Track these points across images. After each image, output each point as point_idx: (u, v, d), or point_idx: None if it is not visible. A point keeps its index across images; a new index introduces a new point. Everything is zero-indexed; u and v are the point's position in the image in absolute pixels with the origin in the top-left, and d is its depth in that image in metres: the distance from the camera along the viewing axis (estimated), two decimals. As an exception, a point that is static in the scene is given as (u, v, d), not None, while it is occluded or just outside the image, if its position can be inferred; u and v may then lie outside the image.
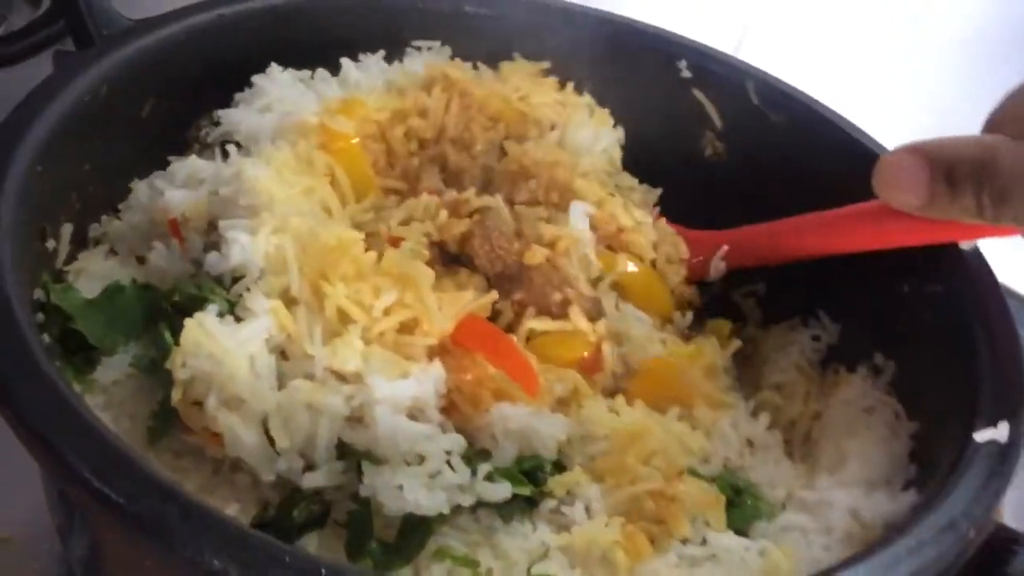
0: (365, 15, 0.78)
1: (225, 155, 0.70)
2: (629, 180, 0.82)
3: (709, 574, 0.56)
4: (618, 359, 0.69)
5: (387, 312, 0.61)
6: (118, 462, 0.46)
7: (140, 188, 0.71)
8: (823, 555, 0.60)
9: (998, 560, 0.55)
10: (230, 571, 0.43)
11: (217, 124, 0.75)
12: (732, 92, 0.82)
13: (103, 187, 0.70)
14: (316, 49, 0.77)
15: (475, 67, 0.82)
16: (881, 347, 0.72)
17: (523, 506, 0.59)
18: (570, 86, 0.82)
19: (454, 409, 0.61)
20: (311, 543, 0.57)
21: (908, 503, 0.62)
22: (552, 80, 0.82)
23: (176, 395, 0.57)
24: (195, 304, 0.60)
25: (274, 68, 0.75)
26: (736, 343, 0.75)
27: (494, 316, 0.68)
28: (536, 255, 0.69)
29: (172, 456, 0.59)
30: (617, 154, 0.82)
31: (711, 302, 0.79)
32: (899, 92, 1.29)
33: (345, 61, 0.78)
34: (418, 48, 0.82)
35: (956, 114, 1.26)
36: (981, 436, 0.57)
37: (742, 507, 0.62)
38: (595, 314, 0.70)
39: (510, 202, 0.73)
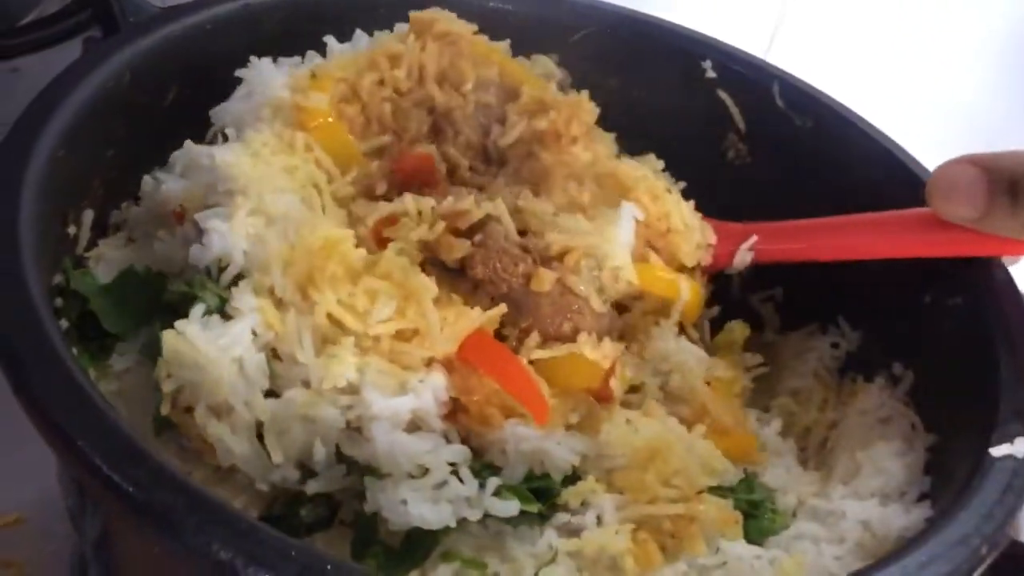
0: (395, 7, 0.78)
1: None
2: (655, 163, 0.79)
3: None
4: (655, 386, 0.67)
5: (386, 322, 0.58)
6: (130, 452, 0.46)
7: (147, 178, 0.70)
8: (834, 565, 0.60)
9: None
10: (237, 563, 0.43)
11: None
12: (757, 94, 0.81)
13: (125, 174, 0.70)
14: (345, 41, 0.76)
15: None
16: (900, 356, 0.71)
17: (533, 518, 0.58)
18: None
19: (459, 414, 0.59)
20: (316, 541, 0.57)
21: (922, 516, 0.61)
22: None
23: (164, 408, 0.57)
24: (186, 302, 0.60)
25: (255, 60, 0.73)
26: (762, 369, 0.75)
27: (500, 335, 0.64)
28: (544, 281, 0.63)
29: (177, 449, 0.59)
30: None
31: (729, 307, 0.78)
32: (927, 93, 1.28)
33: (329, 38, 0.76)
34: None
35: (986, 117, 1.26)
36: (998, 451, 0.57)
37: (759, 520, 0.61)
38: (607, 332, 0.66)
39: (523, 184, 0.68)
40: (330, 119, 0.69)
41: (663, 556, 0.56)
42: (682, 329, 0.72)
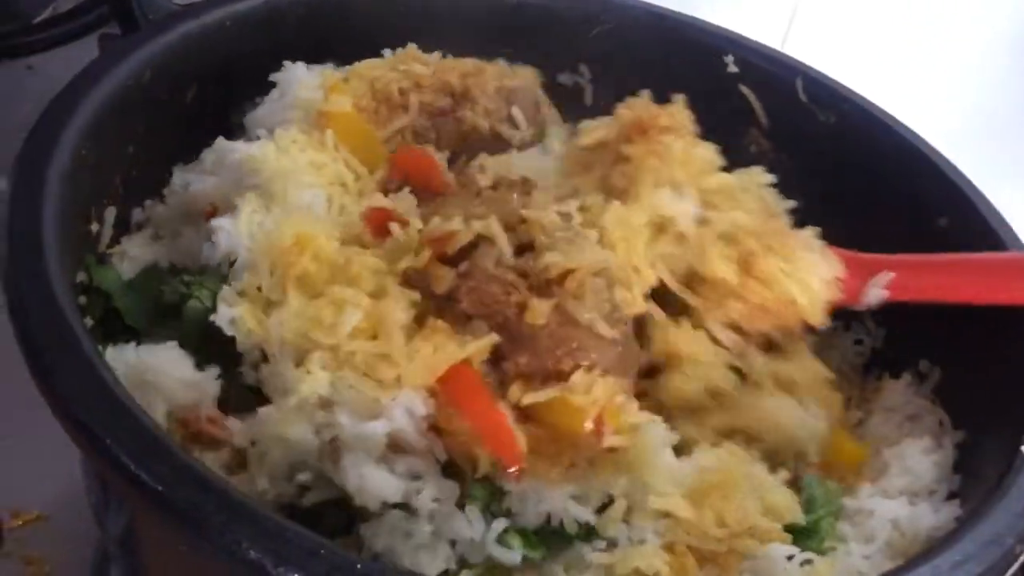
0: (418, 6, 0.77)
1: None
2: (760, 177, 0.72)
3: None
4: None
5: (354, 334, 0.55)
6: (157, 450, 0.46)
7: (176, 176, 0.71)
8: (863, 564, 0.59)
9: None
10: (265, 562, 0.43)
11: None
12: (780, 89, 0.81)
13: (146, 171, 0.70)
14: (365, 39, 0.76)
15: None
16: (927, 353, 0.70)
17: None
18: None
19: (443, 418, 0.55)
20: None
21: (951, 515, 0.61)
22: None
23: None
24: (183, 301, 0.60)
25: (288, 64, 0.73)
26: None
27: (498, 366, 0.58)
28: (538, 313, 0.56)
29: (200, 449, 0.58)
30: None
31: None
32: (938, 86, 1.27)
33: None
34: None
35: (997, 109, 1.25)
36: (1030, 449, 0.56)
37: (810, 537, 0.58)
38: (619, 362, 0.58)
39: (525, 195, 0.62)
40: (350, 110, 0.69)
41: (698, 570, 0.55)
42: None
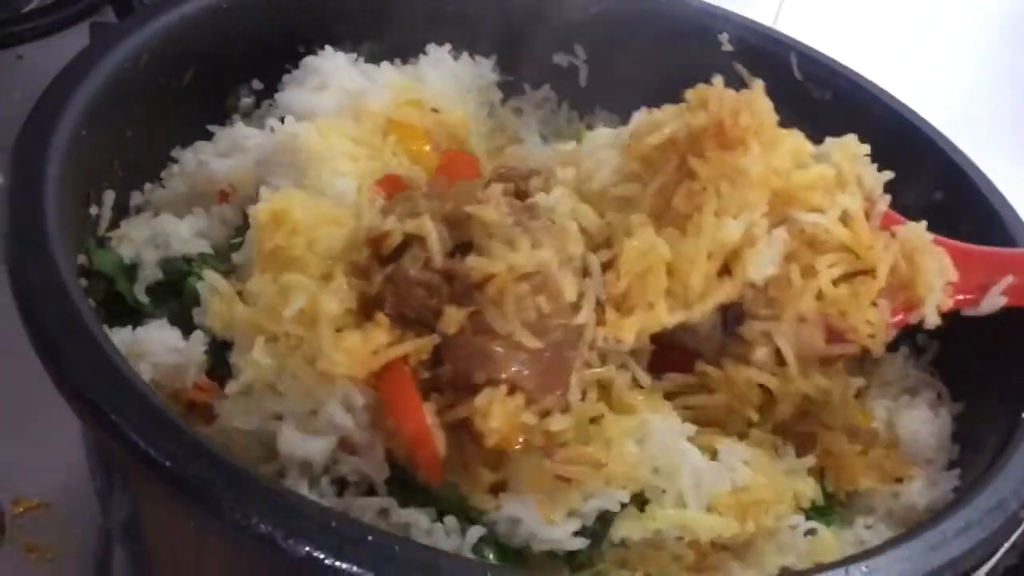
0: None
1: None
2: (856, 147, 0.66)
3: (758, 552, 0.55)
4: None
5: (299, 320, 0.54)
6: (165, 427, 0.46)
7: (186, 157, 0.71)
8: (866, 534, 0.60)
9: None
10: (276, 536, 0.43)
11: (256, 94, 0.75)
12: (775, 66, 0.80)
13: (144, 155, 0.70)
14: (363, 20, 0.76)
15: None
16: (923, 327, 0.71)
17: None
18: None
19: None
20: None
21: (950, 484, 0.61)
22: None
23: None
24: (181, 280, 0.60)
25: (328, 50, 0.74)
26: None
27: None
28: (450, 322, 0.53)
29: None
30: None
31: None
32: (927, 64, 1.28)
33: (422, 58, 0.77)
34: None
35: (983, 87, 1.25)
36: (1031, 415, 0.57)
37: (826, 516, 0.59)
38: (545, 376, 0.54)
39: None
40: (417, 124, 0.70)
41: None
42: None
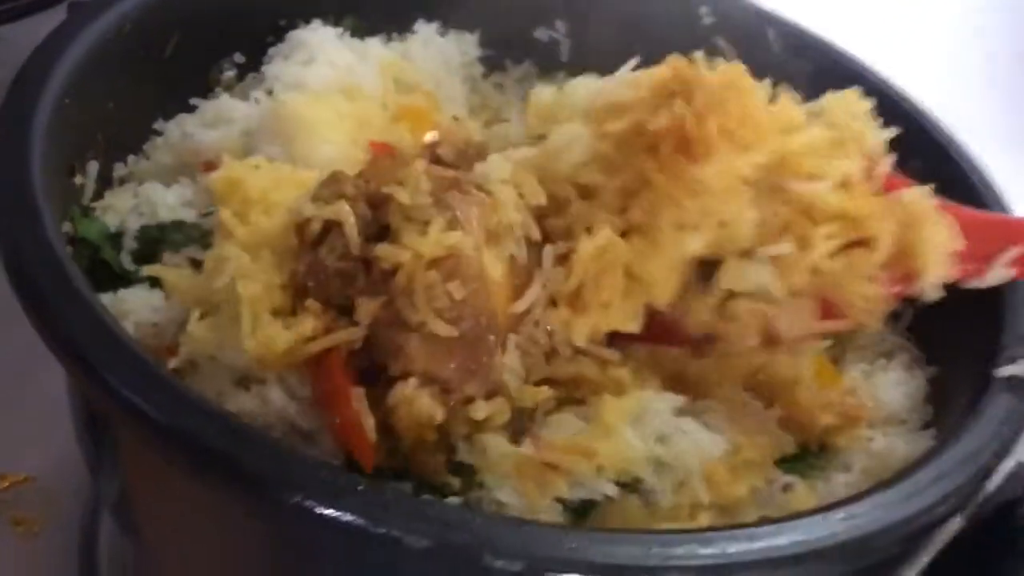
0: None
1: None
2: (856, 104, 0.62)
3: (738, 509, 0.56)
4: None
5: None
6: (157, 380, 0.46)
7: (170, 128, 0.71)
8: (843, 490, 0.61)
9: (1020, 500, 0.55)
10: (268, 483, 0.43)
11: (239, 67, 0.75)
12: (755, 40, 0.81)
13: (127, 126, 0.70)
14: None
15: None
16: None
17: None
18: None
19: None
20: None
21: (925, 444, 0.62)
22: None
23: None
24: (156, 248, 0.61)
25: (315, 23, 0.74)
26: None
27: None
28: (364, 313, 0.51)
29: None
30: None
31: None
32: (909, 41, 1.29)
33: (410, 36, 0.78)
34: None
35: (967, 62, 1.26)
36: (1003, 372, 0.58)
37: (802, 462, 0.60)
38: (464, 365, 0.53)
39: None
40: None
41: None
42: None
